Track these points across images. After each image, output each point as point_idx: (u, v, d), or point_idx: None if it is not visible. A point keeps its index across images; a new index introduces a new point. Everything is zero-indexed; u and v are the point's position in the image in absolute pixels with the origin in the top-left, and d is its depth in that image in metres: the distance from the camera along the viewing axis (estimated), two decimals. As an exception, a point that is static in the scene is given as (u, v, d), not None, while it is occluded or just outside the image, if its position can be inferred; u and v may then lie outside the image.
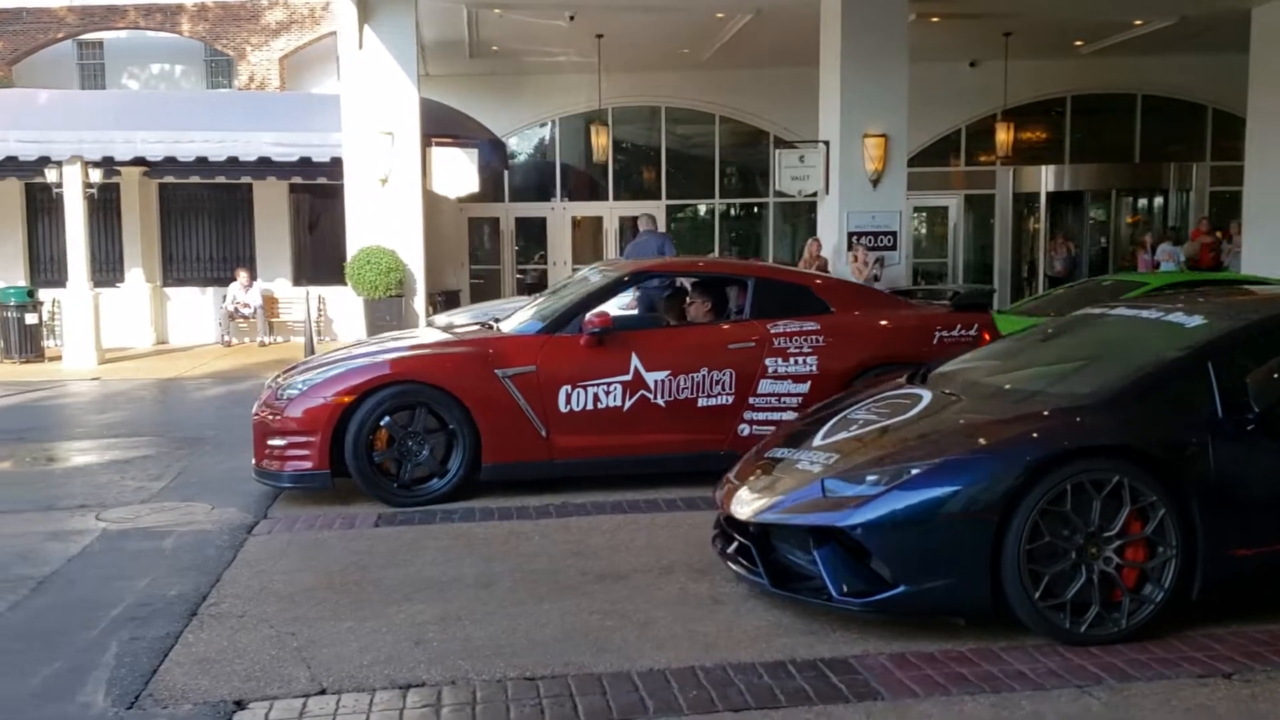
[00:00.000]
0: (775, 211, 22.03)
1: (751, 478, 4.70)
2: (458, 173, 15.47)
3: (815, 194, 15.97)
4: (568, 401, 6.54)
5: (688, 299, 7.54)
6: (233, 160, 15.62)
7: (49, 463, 8.28)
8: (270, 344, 17.19)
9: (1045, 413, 4.18)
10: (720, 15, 16.97)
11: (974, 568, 3.93)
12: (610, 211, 21.95)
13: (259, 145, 15.60)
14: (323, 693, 3.74)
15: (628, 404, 6.59)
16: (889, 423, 4.53)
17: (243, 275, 17.55)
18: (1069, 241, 20.27)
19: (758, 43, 18.36)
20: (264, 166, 16.04)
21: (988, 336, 7.09)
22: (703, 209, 22.38)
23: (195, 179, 17.26)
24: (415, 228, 14.82)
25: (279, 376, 6.95)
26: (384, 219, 14.65)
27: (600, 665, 3.90)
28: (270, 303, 17.83)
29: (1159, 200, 21.28)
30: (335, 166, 15.86)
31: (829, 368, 6.79)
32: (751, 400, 6.74)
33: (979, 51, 19.45)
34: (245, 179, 17.35)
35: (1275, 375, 3.94)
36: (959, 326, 7.14)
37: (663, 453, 6.71)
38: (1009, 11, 16.44)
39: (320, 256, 19.02)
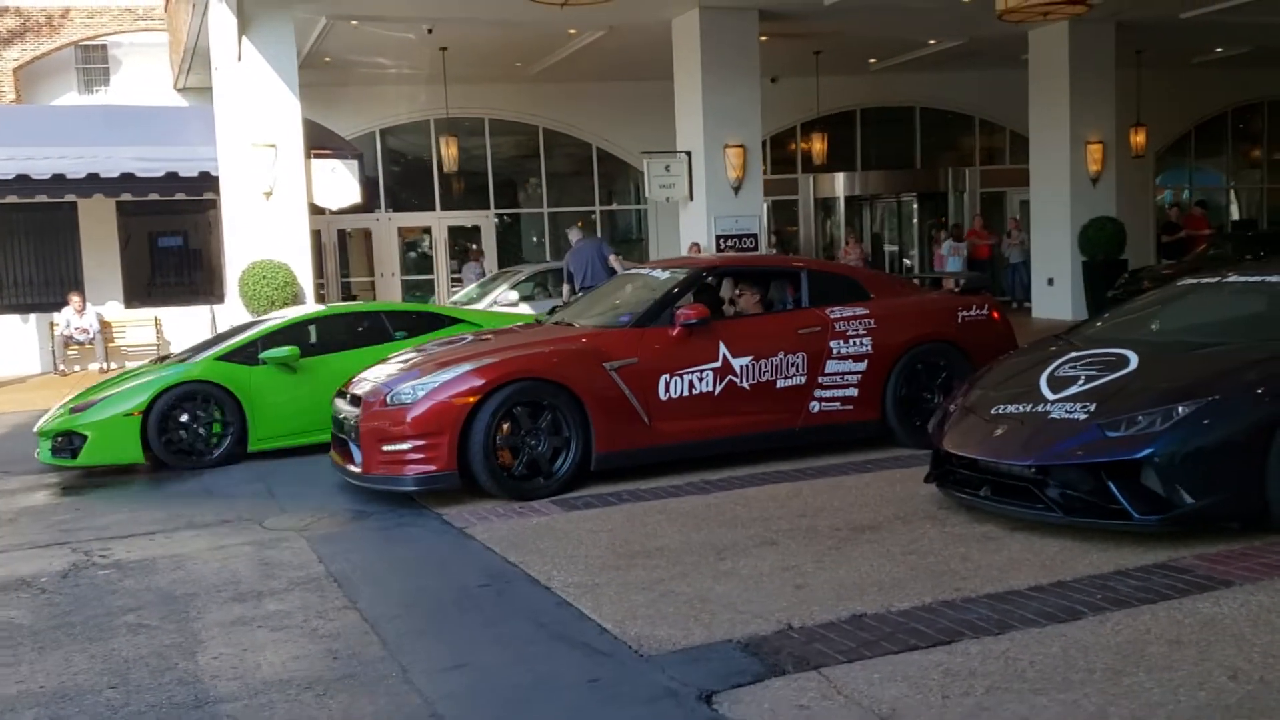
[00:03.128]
0: (604, 219, 22.87)
1: (999, 432, 5.54)
2: (339, 184, 15.27)
3: (670, 201, 16.93)
4: (666, 390, 6.99)
5: (737, 290, 8.13)
6: (92, 177, 14.69)
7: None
8: (111, 369, 16.23)
9: (1273, 355, 5.27)
10: (573, 31, 17.61)
11: (1245, 482, 4.96)
12: (439, 222, 22.02)
13: (119, 161, 14.78)
14: (789, 628, 4.24)
15: (718, 388, 7.11)
16: (1114, 376, 5.49)
17: (75, 299, 16.47)
18: (859, 244, 22.23)
19: (594, 58, 19.12)
20: (116, 183, 15.15)
21: (996, 314, 8.18)
22: (531, 216, 22.84)
23: (12, 198, 16.03)
24: (303, 241, 14.54)
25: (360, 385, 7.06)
26: (270, 233, 14.28)
27: (967, 590, 4.60)
28: (105, 327, 16.83)
29: (938, 202, 23.76)
30: (204, 181, 15.29)
31: (882, 346, 7.56)
32: (820, 380, 7.42)
33: (789, 68, 21.09)
34: (70, 197, 16.28)
35: None
36: (974, 307, 8.11)
37: (747, 432, 7.27)
38: (832, 30, 18.01)
39: (156, 277, 18.09)
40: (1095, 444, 5.14)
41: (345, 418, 6.99)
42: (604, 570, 5.17)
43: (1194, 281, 6.68)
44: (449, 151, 19.38)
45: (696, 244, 16.49)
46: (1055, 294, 18.84)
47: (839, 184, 23.13)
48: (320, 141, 15.67)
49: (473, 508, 6.52)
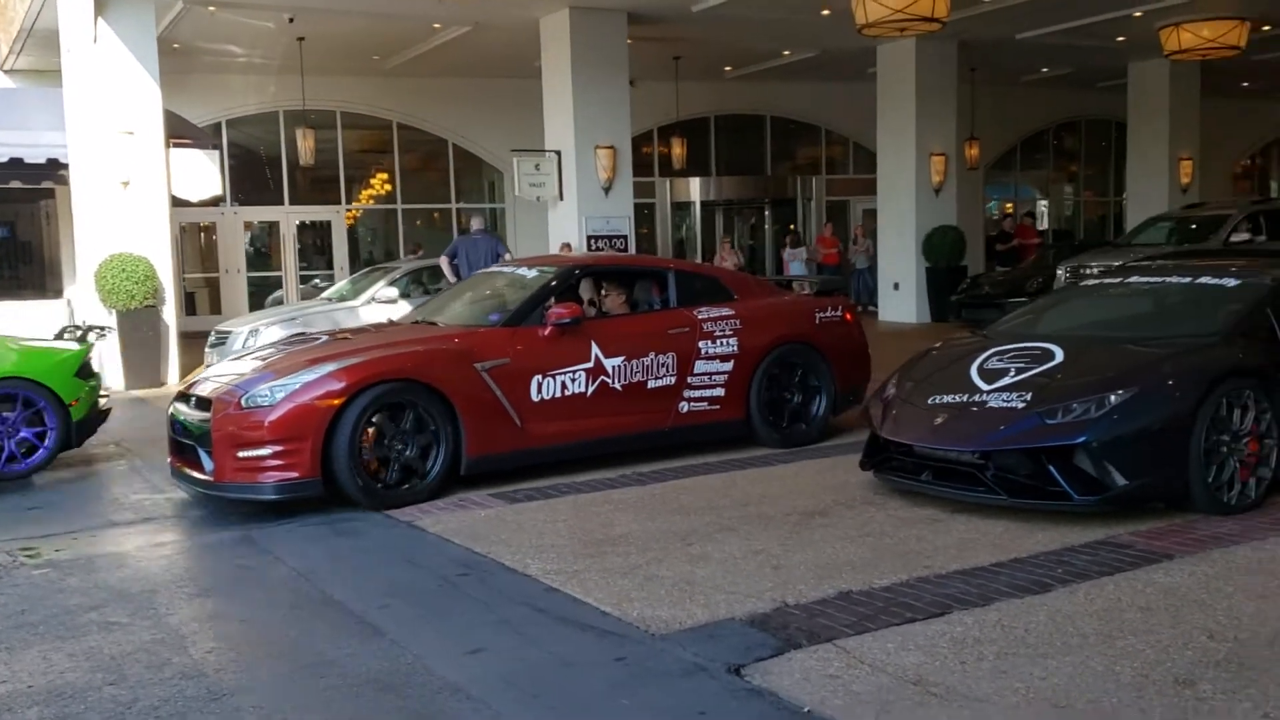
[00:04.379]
0: (456, 216, 22.65)
1: (939, 421, 5.87)
2: (199, 175, 14.69)
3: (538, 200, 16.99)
4: (539, 390, 6.83)
5: (603, 291, 8.01)
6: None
7: None
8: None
9: (1193, 347, 5.76)
10: (438, 26, 17.43)
11: (1171, 465, 5.41)
12: (287, 216, 21.39)
13: (-47, 144, 13.79)
14: (786, 605, 4.41)
15: (591, 389, 7.02)
16: (1044, 368, 5.88)
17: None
18: (734, 250, 22.70)
19: (453, 54, 18.96)
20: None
21: (850, 316, 8.37)
22: (383, 212, 22.42)
23: None
24: (163, 233, 13.90)
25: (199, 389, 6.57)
26: (128, 224, 13.58)
27: (937, 568, 4.89)
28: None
29: (788, 209, 24.51)
30: (49, 169, 14.43)
31: (748, 347, 7.59)
32: (689, 380, 7.40)
33: (647, 73, 21.39)
34: None
35: None
36: (829, 308, 8.24)
37: (619, 433, 7.20)
38: (694, 37, 18.38)
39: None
40: (1035, 430, 5.51)
41: (190, 422, 6.47)
42: (578, 558, 5.22)
43: (1098, 282, 7.21)
44: (306, 144, 18.85)
45: (567, 244, 16.56)
46: (900, 298, 19.75)
47: (694, 188, 23.59)
48: (178, 131, 15.02)
49: (407, 508, 6.41)
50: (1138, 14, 17.37)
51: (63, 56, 13.92)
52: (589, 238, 16.64)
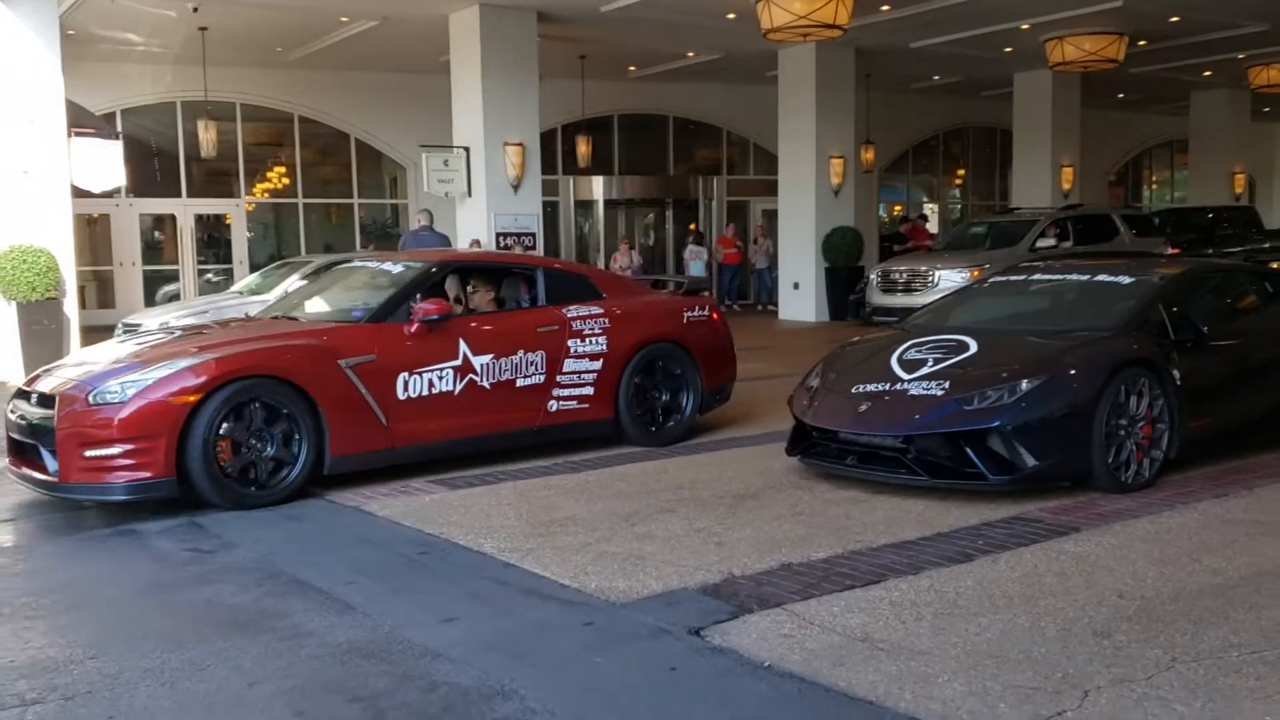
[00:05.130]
0: (359, 210, 22.53)
1: (863, 408, 6.26)
2: (101, 165, 14.39)
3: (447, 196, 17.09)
4: (405, 389, 6.68)
5: (470, 288, 7.81)
6: None
7: None
8: None
9: (1094, 339, 6.25)
10: (344, 19, 17.37)
11: (1075, 447, 5.89)
12: (184, 209, 21.02)
13: None
14: (733, 576, 4.72)
15: (459, 388, 6.90)
16: (960, 358, 6.32)
17: None
18: (632, 249, 23.00)
19: (358, 47, 18.90)
20: None
21: (716, 315, 8.39)
22: (284, 206, 22.15)
23: None
24: (66, 225, 13.60)
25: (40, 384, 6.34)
26: (27, 215, 13.27)
27: (868, 542, 5.25)
28: None
29: (689, 208, 24.96)
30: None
31: (617, 345, 7.56)
32: (558, 379, 7.34)
33: (552, 71, 21.56)
34: None
35: None
36: (696, 307, 8.25)
37: (487, 432, 7.10)
38: (601, 37, 18.66)
39: None
40: (954, 416, 5.94)
41: (31, 419, 6.19)
42: (528, 537, 5.45)
43: (1005, 279, 7.71)
44: (207, 136, 18.58)
45: (477, 240, 16.69)
46: (800, 297, 20.34)
47: (598, 187, 23.86)
48: (78, 120, 14.69)
49: (354, 490, 6.57)
50: (1025, 26, 18.26)
51: (-42, 40, 13.52)
52: (498, 235, 16.80)
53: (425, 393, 6.78)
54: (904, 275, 15.76)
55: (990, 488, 5.89)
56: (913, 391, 6.17)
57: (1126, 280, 6.87)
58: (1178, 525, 5.41)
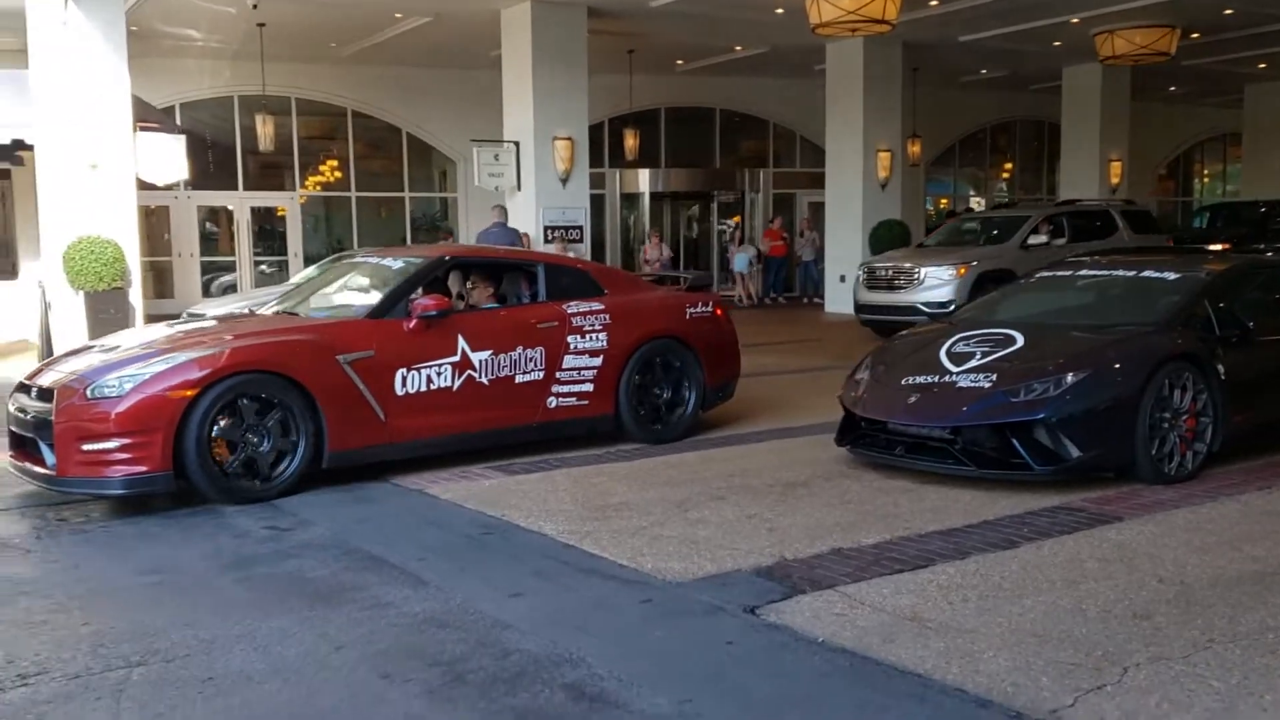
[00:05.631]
0: (413, 205, 22.91)
1: (913, 400, 6.43)
2: (166, 159, 14.82)
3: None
4: (404, 384, 6.69)
5: (469, 284, 7.84)
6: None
7: None
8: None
9: (1138, 334, 6.38)
10: (399, 15, 17.69)
11: (1119, 439, 6.03)
12: (241, 202, 21.48)
13: (-80, 122, 13.78)
14: (785, 559, 4.93)
15: (457, 384, 6.89)
16: (1007, 352, 6.48)
17: None
18: (662, 241, 23.14)
19: (411, 43, 19.22)
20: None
21: (720, 311, 8.30)
22: (337, 199, 22.56)
23: None
24: (130, 217, 14.02)
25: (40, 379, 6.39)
26: (95, 207, 13.70)
27: (916, 528, 5.44)
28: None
29: (736, 201, 25.12)
30: (9, 150, 14.49)
31: (617, 342, 7.52)
32: (558, 375, 7.32)
33: (600, 65, 21.77)
34: None
35: None
36: (699, 304, 8.21)
37: (485, 428, 7.08)
38: (650, 31, 18.85)
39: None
40: (1000, 407, 6.10)
41: (30, 413, 6.21)
42: (585, 521, 5.69)
43: (1051, 274, 7.84)
44: (265, 130, 19.01)
45: (526, 234, 16.94)
46: (847, 290, 20.36)
47: (644, 180, 24.06)
48: (143, 114, 15.13)
49: (416, 474, 6.84)
50: (1075, 20, 18.21)
51: (29, 37, 13.99)
52: (545, 229, 17.06)
53: (424, 388, 6.76)
54: (889, 272, 15.30)
55: (1035, 478, 6.05)
56: (960, 384, 6.34)
57: (1172, 276, 6.99)
58: (1219, 515, 5.54)
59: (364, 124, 22.15)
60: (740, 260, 22.79)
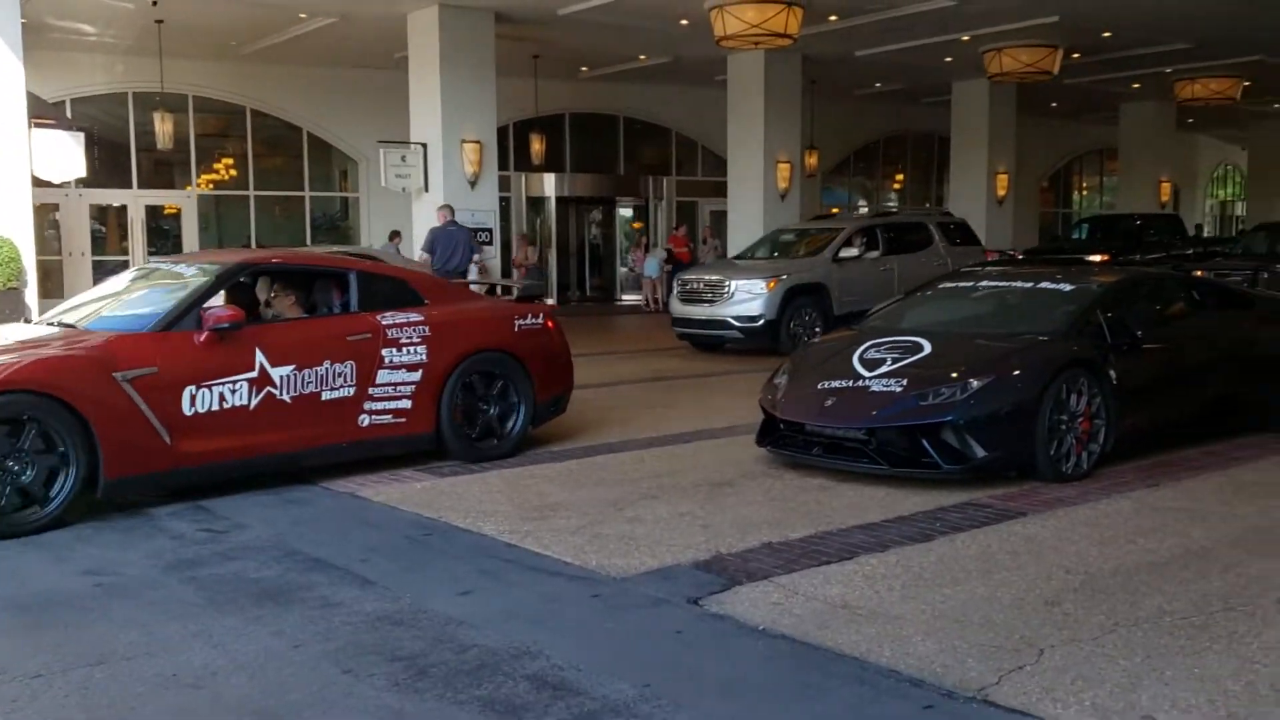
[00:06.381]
0: (309, 203, 22.64)
1: (829, 403, 6.76)
2: (63, 157, 14.50)
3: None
4: (192, 403, 6.18)
5: (272, 292, 7.33)
6: None
7: None
8: None
9: (1038, 342, 6.81)
10: (303, 15, 17.53)
11: (1021, 440, 6.44)
12: (135, 200, 20.97)
13: None
14: (721, 554, 5.18)
15: (254, 401, 6.38)
16: (916, 358, 6.84)
17: None
18: (530, 244, 23.03)
19: (313, 43, 19.06)
20: None
21: (551, 323, 7.91)
22: (235, 198, 22.18)
23: None
24: (26, 215, 13.67)
25: None
26: (-12, 205, 13.35)
27: (838, 523, 5.75)
28: None
29: (639, 207, 25.45)
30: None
31: (438, 356, 7.10)
32: (371, 391, 6.86)
33: (504, 69, 21.85)
34: None
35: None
36: (529, 315, 7.82)
37: (288, 450, 6.62)
38: (556, 38, 19.01)
39: None
40: (911, 410, 6.46)
41: None
42: (524, 521, 5.86)
43: (954, 284, 8.27)
44: (163, 127, 18.65)
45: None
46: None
47: (549, 184, 24.22)
48: (39, 111, 14.74)
49: (346, 479, 6.90)
50: (965, 38, 18.98)
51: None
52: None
53: (215, 408, 6.24)
54: (701, 285, 14.66)
55: (944, 476, 6.42)
56: (873, 388, 6.69)
57: (1067, 287, 7.45)
58: (1115, 511, 5.98)
59: (263, 122, 21.85)
60: (651, 265, 23.12)
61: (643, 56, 21.19)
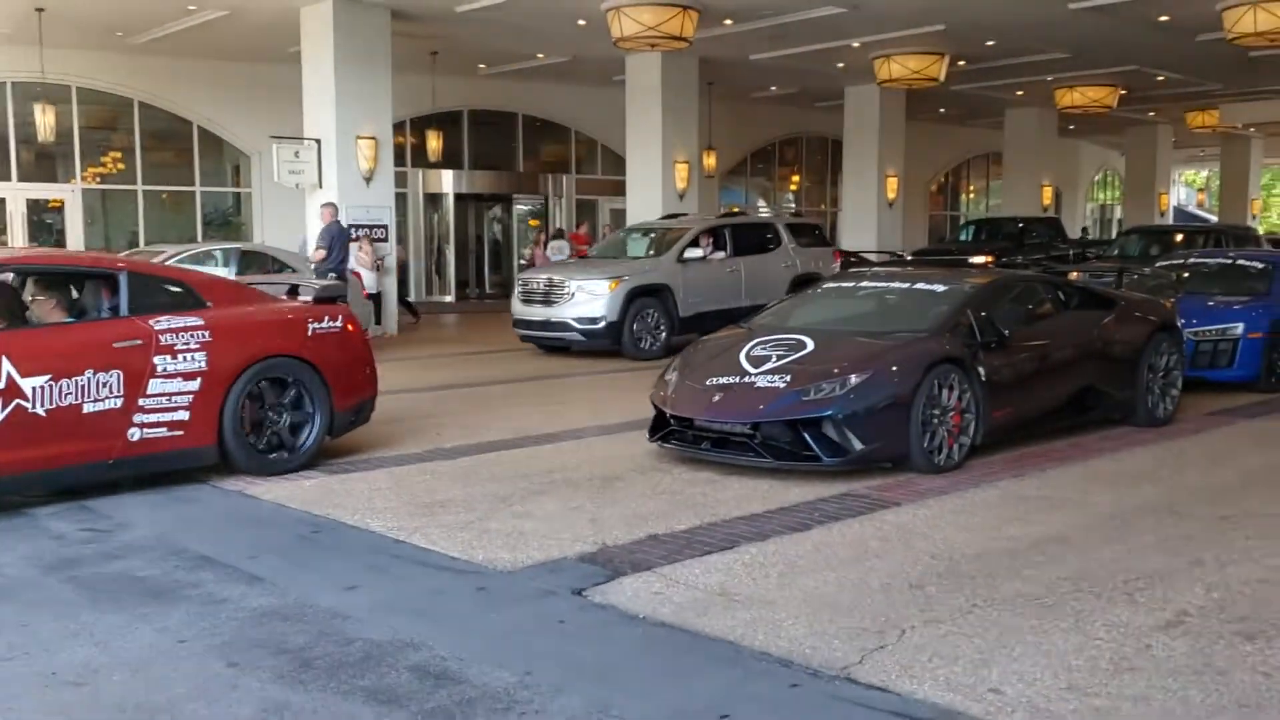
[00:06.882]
0: (200, 198, 22.19)
1: (716, 398, 6.96)
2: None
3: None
4: None
5: (33, 297, 6.84)
6: None
7: None
8: None
9: (913, 339, 7.10)
10: (192, 7, 17.20)
11: (896, 433, 6.73)
12: (15, 193, 20.33)
13: None
14: (607, 546, 5.33)
15: (1, 415, 5.83)
16: (800, 355, 7.09)
17: None
18: (374, 241, 22.63)
19: (203, 36, 18.71)
20: None
21: (351, 326, 7.45)
22: (122, 193, 21.61)
23: None
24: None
25: None
26: None
27: (722, 515, 5.95)
28: None
29: (540, 205, 25.49)
30: None
31: (220, 364, 6.63)
32: (142, 402, 6.35)
33: (402, 65, 21.71)
34: None
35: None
36: (325, 318, 7.29)
37: (46, 468, 6.10)
38: (454, 35, 18.97)
39: None
40: (794, 405, 6.70)
41: None
42: (413, 517, 5.94)
43: (837, 285, 8.56)
44: (45, 119, 18.05)
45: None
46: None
47: (447, 181, 24.13)
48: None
49: (233, 478, 6.88)
50: (856, 45, 19.48)
51: None
52: (350, 227, 16.94)
53: None
54: (542, 286, 14.05)
55: (825, 468, 6.67)
56: (759, 384, 6.91)
57: (940, 288, 7.78)
58: (981, 500, 6.29)
59: (152, 115, 21.33)
60: (557, 256, 23.11)
61: (541, 55, 21.25)
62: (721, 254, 14.84)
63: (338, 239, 14.10)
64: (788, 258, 15.63)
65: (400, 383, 10.58)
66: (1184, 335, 9.20)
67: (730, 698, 3.65)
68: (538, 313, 14.04)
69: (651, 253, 14.74)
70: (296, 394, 7.07)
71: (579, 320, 13.58)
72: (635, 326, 13.59)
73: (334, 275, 13.27)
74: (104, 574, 5.01)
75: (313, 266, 13.18)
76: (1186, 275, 11.39)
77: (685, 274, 14.22)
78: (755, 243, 15.50)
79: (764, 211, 28.91)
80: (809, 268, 15.73)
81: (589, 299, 13.58)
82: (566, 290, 13.78)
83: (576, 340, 13.81)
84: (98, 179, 21.32)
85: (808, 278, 15.04)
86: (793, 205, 30.48)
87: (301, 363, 7.07)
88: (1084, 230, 35.05)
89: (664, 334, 13.76)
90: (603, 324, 13.44)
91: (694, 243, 14.58)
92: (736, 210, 26.83)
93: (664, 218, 17.71)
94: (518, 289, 14.62)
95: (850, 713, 3.54)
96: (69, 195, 20.88)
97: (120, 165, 21.43)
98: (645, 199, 20.89)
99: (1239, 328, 9.94)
